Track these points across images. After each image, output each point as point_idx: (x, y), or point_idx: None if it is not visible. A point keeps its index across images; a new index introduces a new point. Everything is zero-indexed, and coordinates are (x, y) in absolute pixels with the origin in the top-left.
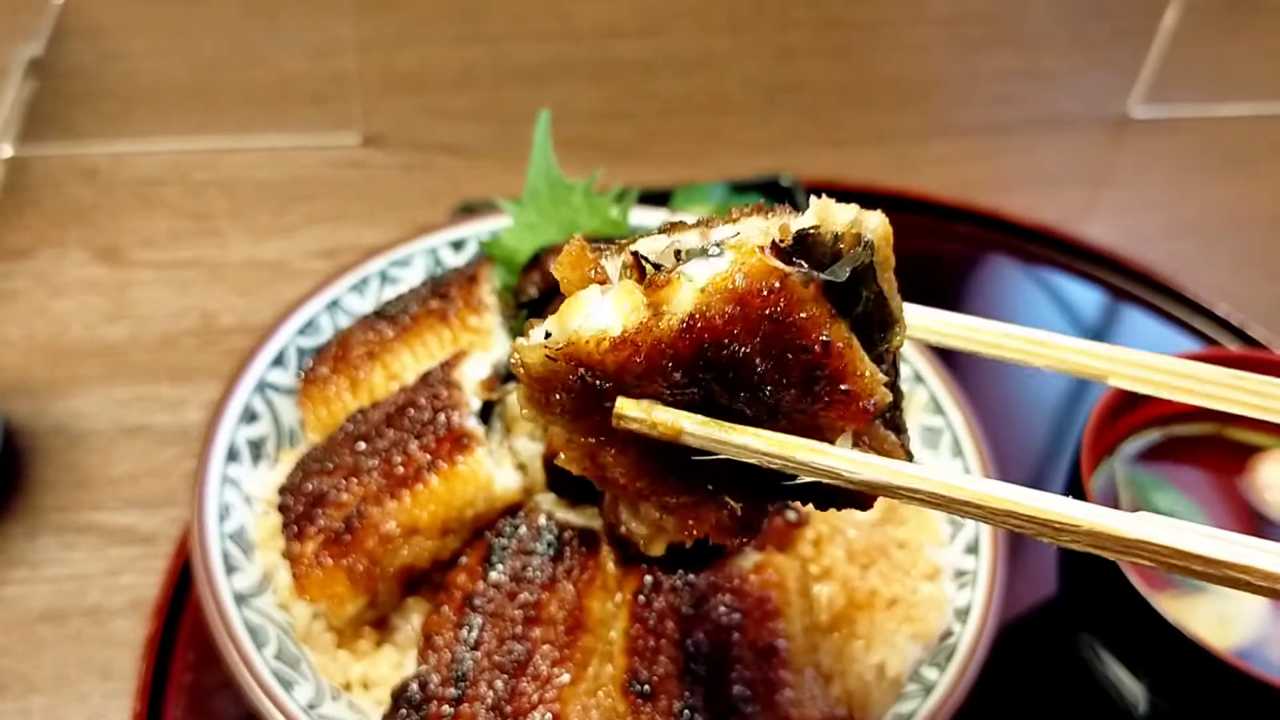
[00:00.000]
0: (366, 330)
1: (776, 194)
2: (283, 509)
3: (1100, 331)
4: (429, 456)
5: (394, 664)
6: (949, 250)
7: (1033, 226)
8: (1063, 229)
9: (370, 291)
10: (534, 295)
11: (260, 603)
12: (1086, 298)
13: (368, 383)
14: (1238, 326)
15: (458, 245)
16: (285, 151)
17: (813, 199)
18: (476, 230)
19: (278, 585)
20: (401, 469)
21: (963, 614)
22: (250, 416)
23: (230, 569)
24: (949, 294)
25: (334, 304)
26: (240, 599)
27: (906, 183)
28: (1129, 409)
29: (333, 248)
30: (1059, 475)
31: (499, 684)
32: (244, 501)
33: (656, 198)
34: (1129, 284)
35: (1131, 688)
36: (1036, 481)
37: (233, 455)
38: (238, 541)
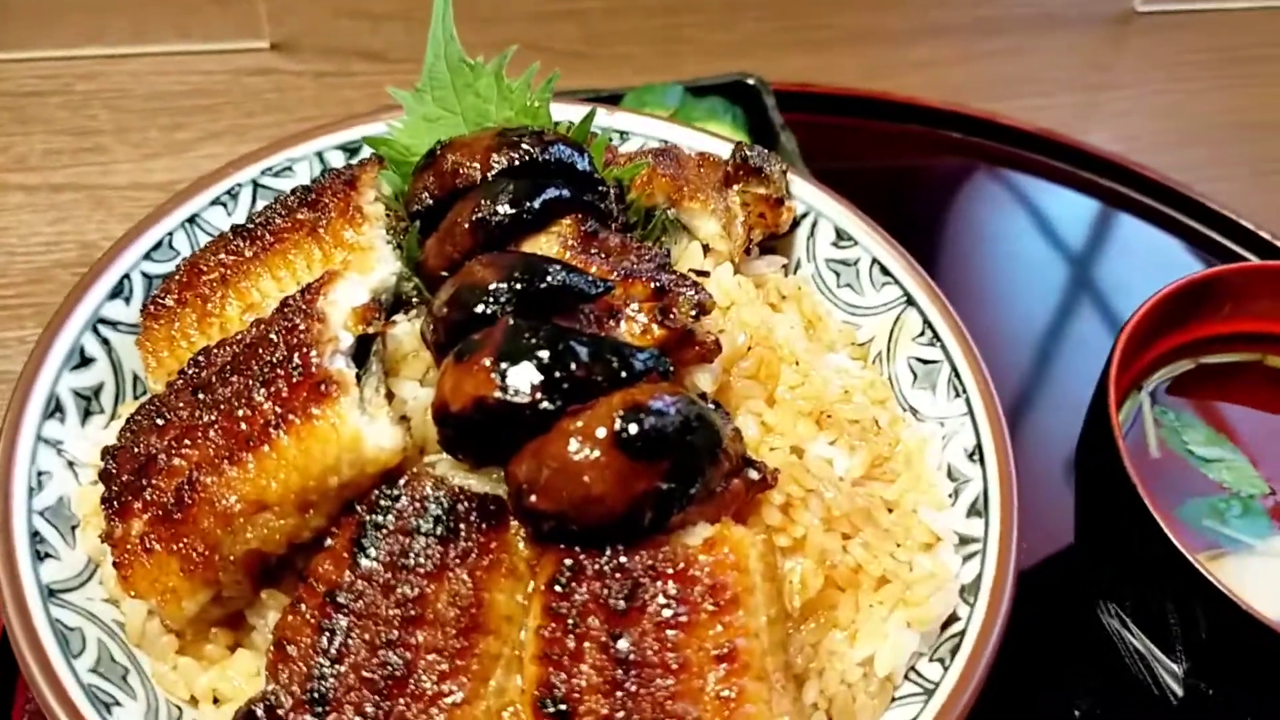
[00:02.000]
0: (220, 250)
1: (741, 96)
2: (104, 477)
3: (1108, 247)
4: (278, 409)
5: (252, 672)
6: (938, 162)
7: (1031, 132)
8: (1062, 135)
9: (240, 206)
10: (428, 204)
11: (79, 597)
12: (1091, 211)
13: (219, 316)
14: (1267, 239)
15: (351, 149)
16: (181, 58)
17: None
18: (376, 130)
19: (106, 574)
20: (244, 426)
21: (970, 592)
22: (80, 361)
23: (40, 555)
24: (939, 209)
25: (192, 220)
26: (50, 593)
27: (885, 87)
28: (1154, 336)
29: None
30: (1077, 413)
31: (369, 707)
32: (66, 468)
33: (607, 100)
34: (1138, 193)
35: (1165, 664)
36: (1054, 423)
37: (54, 410)
38: (53, 518)
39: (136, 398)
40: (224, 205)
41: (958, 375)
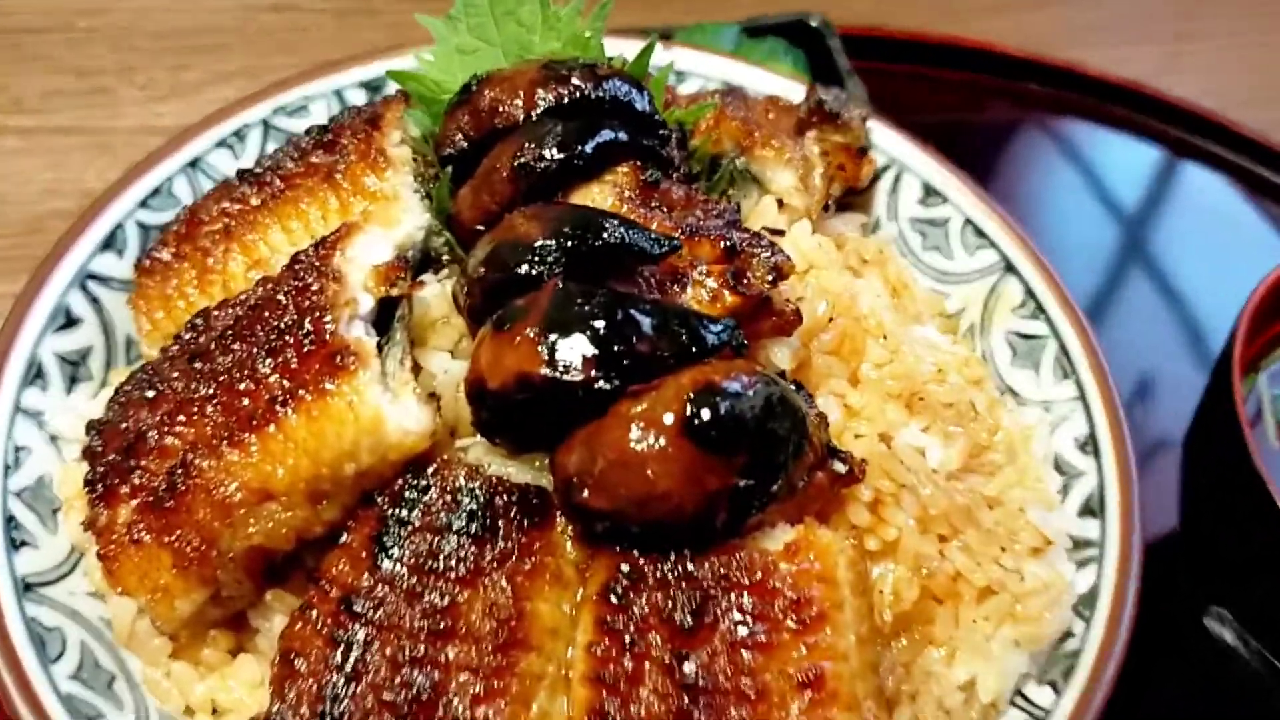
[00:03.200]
0: (224, 198)
1: (803, 38)
2: (89, 455)
3: (1200, 210)
4: (286, 383)
5: (255, 681)
6: (1012, 114)
7: (1115, 83)
8: (1150, 87)
9: (248, 149)
10: (463, 147)
11: (60, 591)
12: (1181, 171)
13: (221, 273)
14: None
15: (374, 87)
16: None
17: None
18: (403, 64)
19: (92, 565)
20: (247, 401)
21: (1085, 605)
22: (66, 321)
23: (16, 543)
24: (1014, 164)
25: (195, 164)
26: (27, 587)
27: (959, 33)
28: (1274, 314)
29: None
30: (1186, 397)
31: None
32: (47, 443)
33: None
34: (1228, 152)
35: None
36: (1161, 409)
37: (35, 376)
38: (32, 501)
39: (130, 364)
40: (230, 148)
41: (1066, 353)
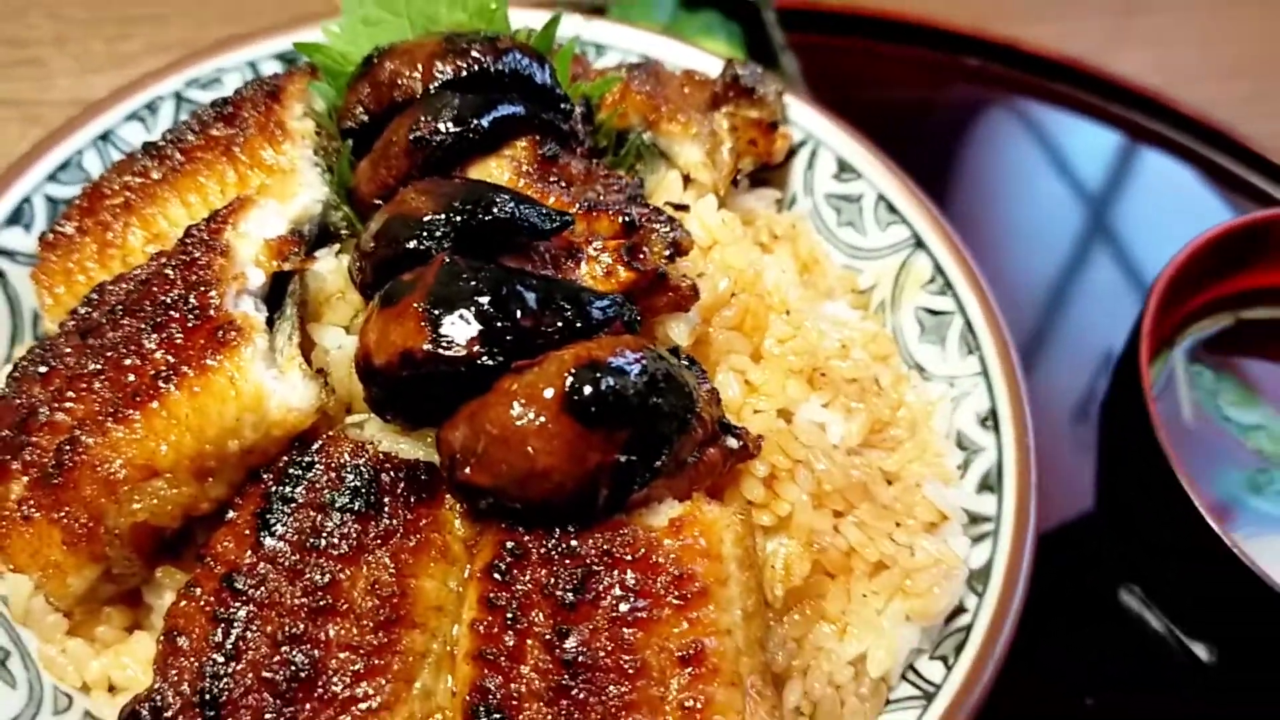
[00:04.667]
0: (126, 172)
1: (739, 11)
2: None
3: (1140, 190)
4: (170, 357)
5: (149, 658)
6: (955, 91)
7: (1057, 60)
8: (1091, 64)
9: (160, 121)
10: (363, 120)
11: None
12: (1121, 149)
13: (121, 247)
14: None
15: (287, 59)
16: None
17: None
18: (313, 35)
19: None
20: (132, 377)
21: (979, 580)
22: None
23: None
24: (953, 144)
25: (105, 137)
26: None
27: (904, 8)
28: (1195, 286)
29: None
30: (1103, 361)
31: (269, 714)
32: None
33: (589, 13)
34: (1174, 131)
35: (1190, 650)
36: (1075, 385)
37: None
38: None
39: (37, 340)
40: (142, 120)
41: (971, 329)
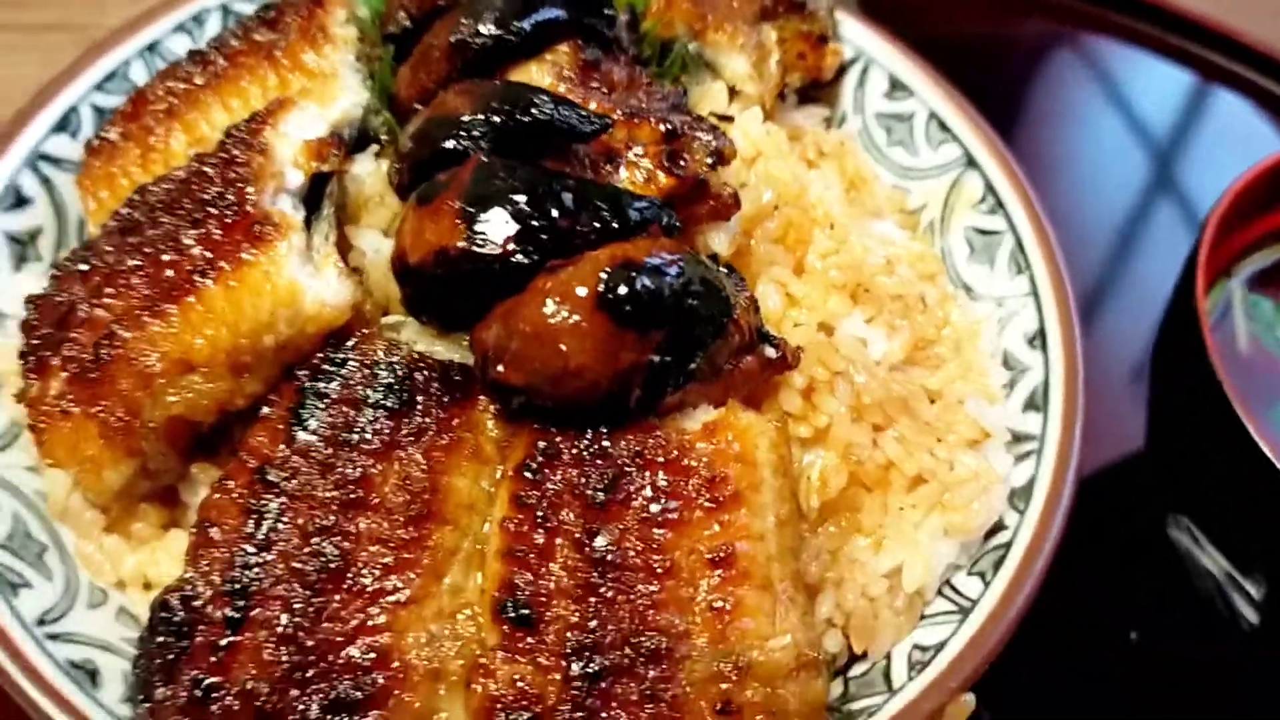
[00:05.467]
0: (169, 79)
1: None
2: (25, 329)
3: (1200, 124)
4: (207, 253)
5: (184, 555)
6: (1009, 23)
7: None
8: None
9: (207, 32)
10: (405, 25)
11: None
12: (1181, 83)
13: (163, 152)
14: None
15: None
16: None
17: None
18: None
19: (29, 439)
20: (170, 273)
21: (1021, 498)
22: (15, 200)
23: None
24: (1009, 75)
25: (152, 48)
26: None
27: None
28: (1249, 216)
29: None
30: (1158, 299)
31: (298, 603)
32: None
33: None
34: (1235, 63)
35: (1241, 586)
36: (1132, 307)
37: None
38: None
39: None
40: (189, 32)
41: (1022, 248)
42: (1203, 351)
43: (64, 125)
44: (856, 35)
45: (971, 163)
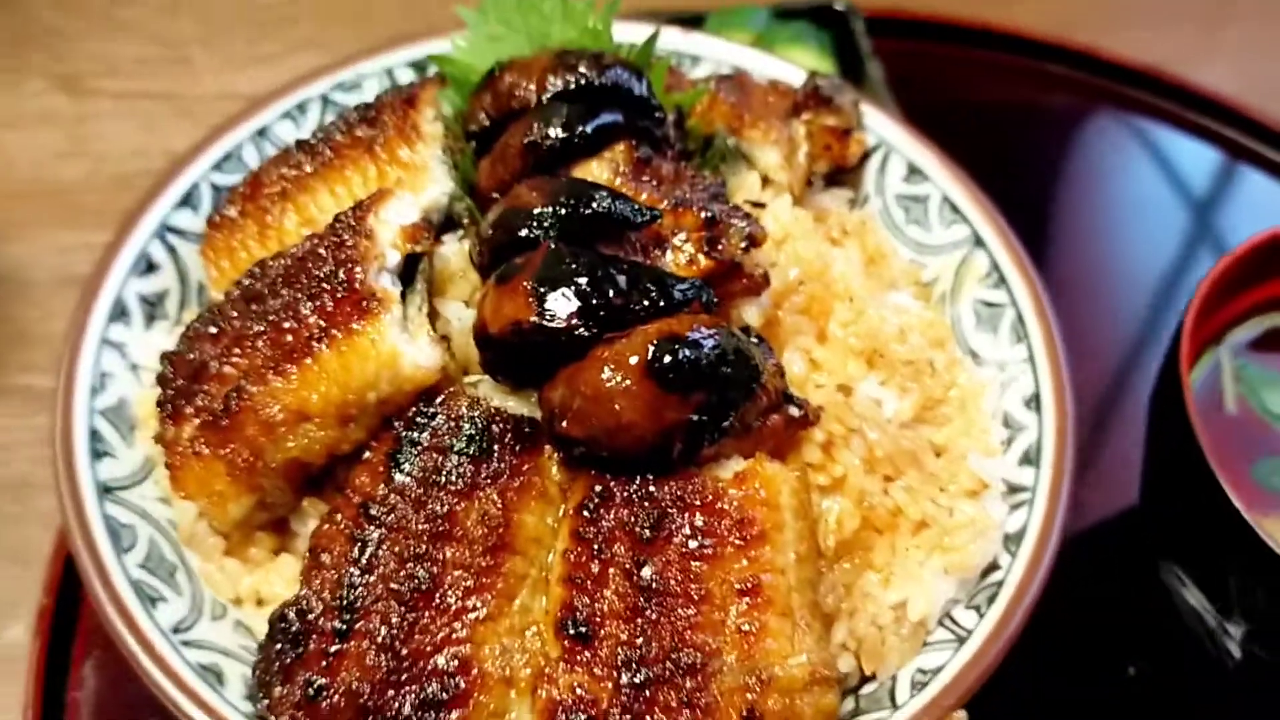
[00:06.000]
0: (282, 165)
1: (829, 20)
2: (161, 381)
3: (1214, 197)
4: (322, 322)
5: (293, 577)
6: (1035, 98)
7: (1137, 69)
8: (1173, 72)
9: (308, 120)
10: (484, 125)
11: (134, 495)
12: (1199, 156)
13: (278, 229)
14: None
15: (420, 66)
16: None
17: None
18: (443, 47)
19: (161, 475)
20: (290, 338)
21: (1013, 542)
22: (147, 266)
23: (98, 453)
24: (1032, 148)
25: (262, 133)
26: (106, 490)
27: (991, 15)
28: (1242, 287)
29: None
30: (1150, 365)
31: (395, 617)
32: (129, 370)
33: (689, 22)
34: (1252, 141)
35: (1224, 630)
36: (1122, 373)
37: (119, 313)
38: (113, 418)
39: (200, 306)
40: (293, 119)
41: (1021, 320)
42: (1183, 409)
43: (187, 201)
44: (879, 125)
45: (979, 242)
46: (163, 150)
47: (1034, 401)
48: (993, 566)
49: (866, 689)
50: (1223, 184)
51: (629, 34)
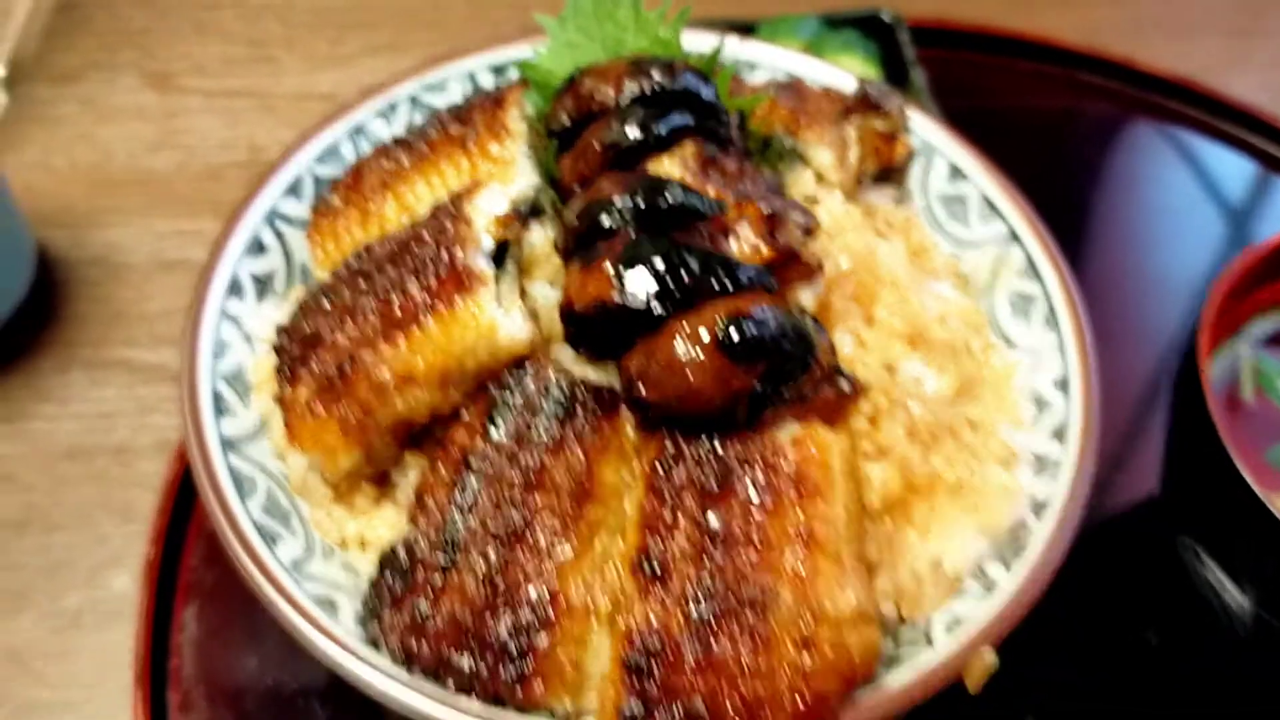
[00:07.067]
0: (382, 159)
1: (876, 30)
2: (278, 350)
3: (1244, 204)
4: (427, 297)
5: (393, 523)
6: (1071, 105)
7: (1170, 79)
8: (1205, 83)
9: (399, 118)
10: (565, 124)
11: (252, 450)
12: (1230, 165)
13: (379, 216)
14: None
15: (499, 70)
16: None
17: None
18: (522, 53)
19: (274, 433)
20: (399, 311)
21: (1040, 507)
22: (257, 248)
23: (221, 411)
24: (1069, 151)
25: (358, 130)
26: (229, 444)
27: (1025, 25)
28: (1261, 282)
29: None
30: (1171, 355)
31: (492, 553)
32: (244, 340)
33: (742, 29)
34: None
35: (1236, 599)
36: (1145, 363)
37: (235, 289)
38: (233, 383)
39: (303, 284)
40: (385, 117)
41: (1053, 310)
42: (1202, 398)
43: (292, 190)
44: (924, 129)
45: (1015, 238)
46: (248, 144)
47: (1063, 384)
48: (1021, 527)
49: (905, 631)
50: (1252, 192)
51: (694, 43)
